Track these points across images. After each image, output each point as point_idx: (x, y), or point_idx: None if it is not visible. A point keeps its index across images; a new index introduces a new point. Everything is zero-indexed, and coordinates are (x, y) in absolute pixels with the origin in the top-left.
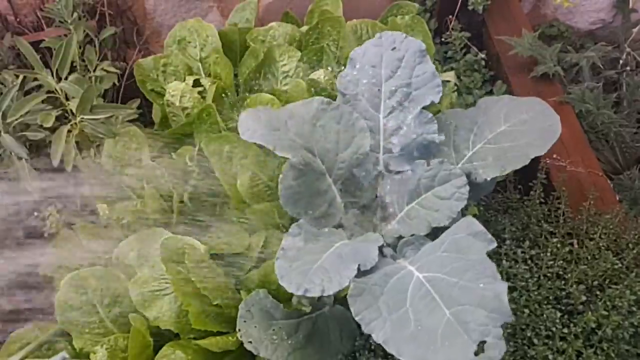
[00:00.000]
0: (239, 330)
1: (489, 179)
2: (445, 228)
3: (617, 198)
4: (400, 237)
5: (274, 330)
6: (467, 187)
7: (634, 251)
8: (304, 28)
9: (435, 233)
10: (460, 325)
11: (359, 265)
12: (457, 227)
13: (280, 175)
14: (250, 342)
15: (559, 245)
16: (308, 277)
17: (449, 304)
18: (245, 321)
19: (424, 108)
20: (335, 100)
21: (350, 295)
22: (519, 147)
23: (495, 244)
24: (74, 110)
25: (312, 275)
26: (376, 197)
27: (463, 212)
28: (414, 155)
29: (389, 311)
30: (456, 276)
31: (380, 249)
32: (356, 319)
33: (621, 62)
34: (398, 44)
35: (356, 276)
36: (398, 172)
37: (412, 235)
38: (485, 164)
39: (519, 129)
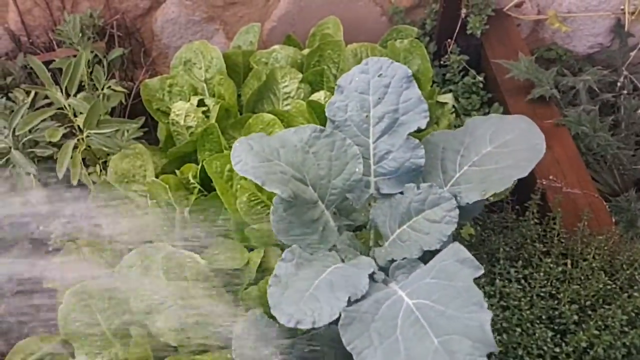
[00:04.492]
0: (234, 349)
1: (470, 202)
2: (437, 251)
3: (613, 220)
4: (393, 260)
5: (268, 350)
6: (457, 211)
7: (628, 272)
8: (306, 51)
9: (427, 256)
10: (448, 354)
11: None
12: (445, 253)
13: (272, 207)
14: None
15: (552, 265)
16: (299, 307)
17: (437, 333)
18: (240, 340)
19: (416, 131)
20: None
21: (341, 324)
22: (502, 170)
23: (482, 271)
24: (81, 126)
25: (303, 306)
26: (369, 219)
27: (454, 235)
28: (405, 178)
29: (380, 339)
30: (444, 304)
31: (372, 274)
32: (347, 348)
33: (619, 85)
34: (384, 70)
35: (347, 304)
36: (389, 195)
37: (404, 258)
38: (469, 187)
39: (503, 150)
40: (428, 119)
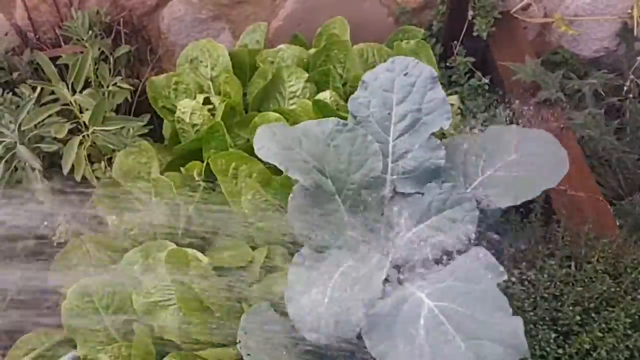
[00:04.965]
0: (239, 342)
1: (503, 207)
2: (451, 253)
3: (618, 223)
4: (407, 259)
5: (273, 343)
6: (477, 211)
7: (632, 275)
8: (312, 50)
9: (443, 257)
10: (477, 358)
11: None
12: (468, 256)
13: (290, 195)
14: (249, 354)
15: (556, 268)
16: (320, 319)
17: (464, 337)
18: (245, 333)
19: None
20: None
21: (364, 331)
22: (530, 178)
23: (505, 276)
24: (87, 123)
25: (323, 317)
26: (381, 217)
27: (469, 238)
28: (423, 178)
29: (404, 343)
30: (469, 308)
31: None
32: (372, 353)
33: (625, 89)
34: (410, 69)
35: (365, 308)
36: (406, 194)
37: (419, 258)
38: (497, 192)
39: (529, 160)
40: (450, 120)
